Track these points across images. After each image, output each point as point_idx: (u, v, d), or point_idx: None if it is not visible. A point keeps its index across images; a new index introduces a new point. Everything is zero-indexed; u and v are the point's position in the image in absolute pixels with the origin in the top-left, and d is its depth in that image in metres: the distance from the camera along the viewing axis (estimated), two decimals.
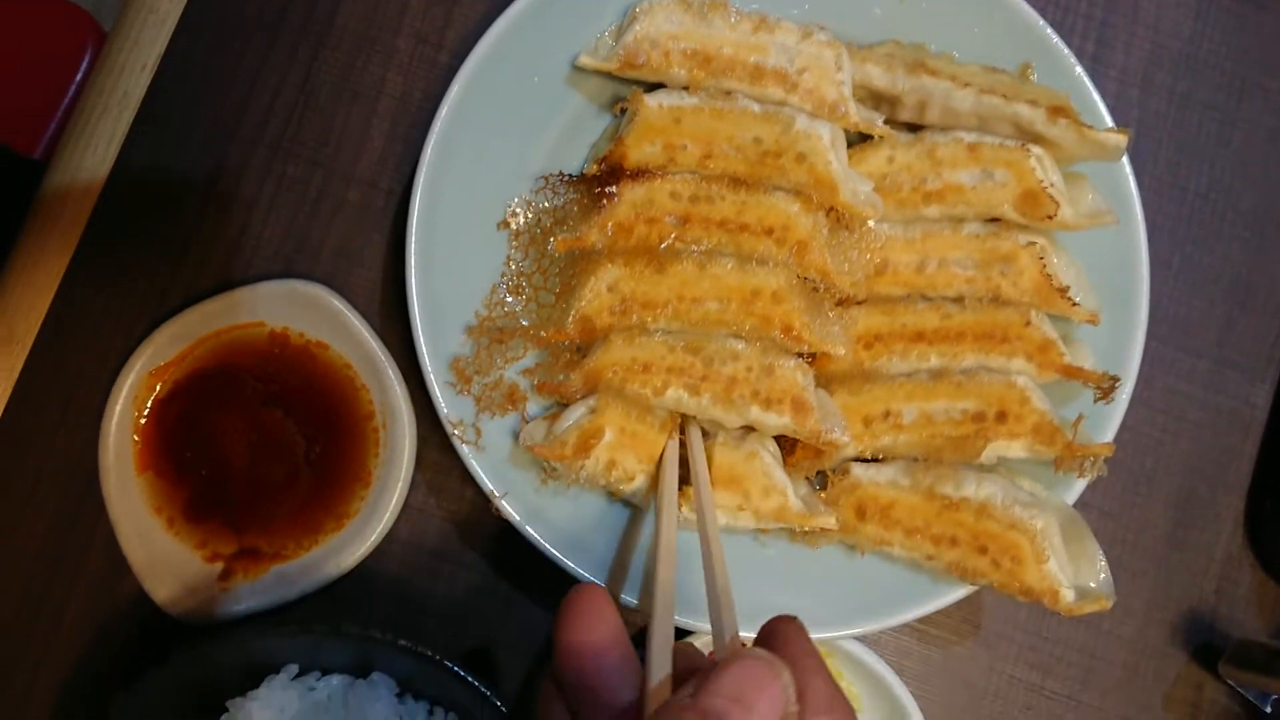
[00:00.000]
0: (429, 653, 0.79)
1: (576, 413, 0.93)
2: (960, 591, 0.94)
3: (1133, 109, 1.12)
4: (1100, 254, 0.99)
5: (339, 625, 0.80)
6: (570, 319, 0.95)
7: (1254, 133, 1.12)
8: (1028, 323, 0.94)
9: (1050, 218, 0.93)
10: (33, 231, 1.02)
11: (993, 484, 0.90)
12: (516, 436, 0.95)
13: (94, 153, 1.03)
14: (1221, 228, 1.11)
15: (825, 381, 0.98)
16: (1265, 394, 1.10)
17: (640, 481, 0.93)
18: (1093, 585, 0.90)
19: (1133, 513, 1.07)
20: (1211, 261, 1.11)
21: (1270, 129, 1.12)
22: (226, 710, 0.84)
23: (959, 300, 0.97)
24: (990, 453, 0.92)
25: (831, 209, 0.95)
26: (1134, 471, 1.08)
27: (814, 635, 0.92)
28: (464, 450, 0.92)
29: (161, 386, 0.96)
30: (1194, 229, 1.11)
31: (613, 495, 0.95)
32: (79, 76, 1.90)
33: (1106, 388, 0.91)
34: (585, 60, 0.97)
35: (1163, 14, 1.13)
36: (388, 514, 0.95)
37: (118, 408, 0.94)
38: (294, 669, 0.85)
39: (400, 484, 0.96)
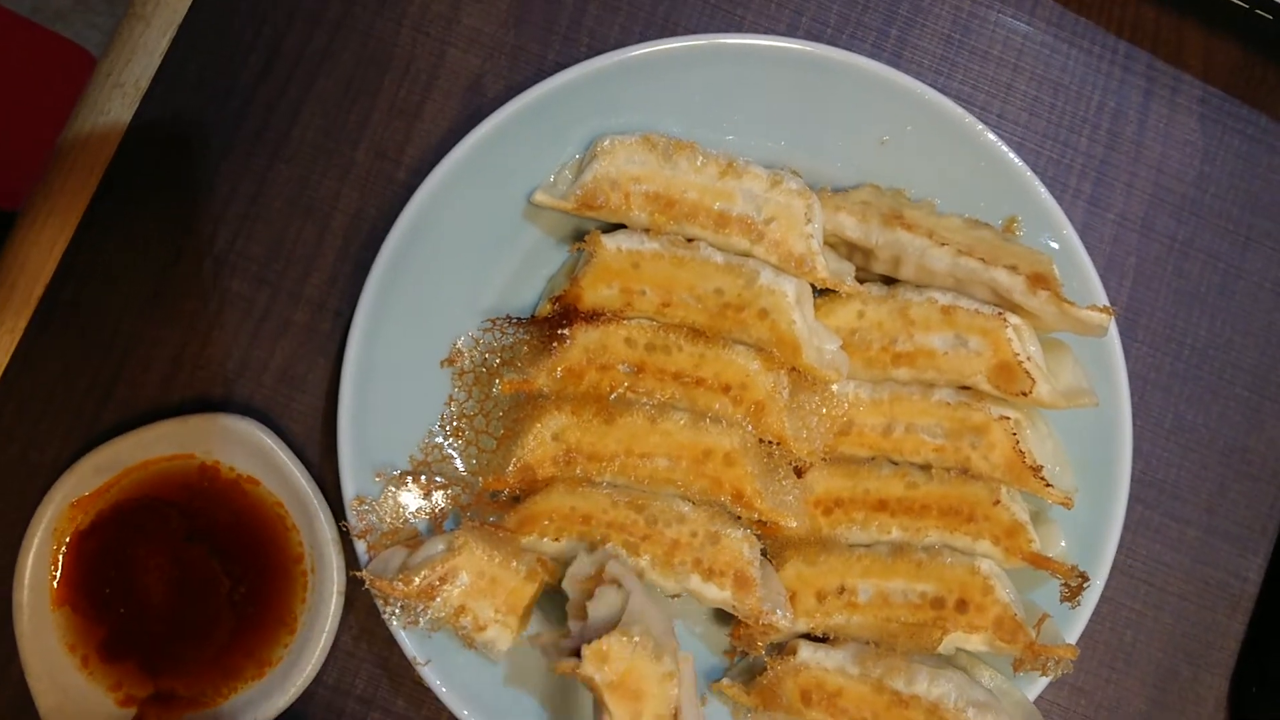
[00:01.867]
0: None
1: (435, 548, 0.87)
2: None
3: (1130, 255, 1.05)
4: (1081, 424, 0.93)
5: None
6: (511, 466, 0.90)
7: (1259, 285, 1.06)
8: (997, 501, 0.88)
9: (1025, 394, 0.87)
10: None
11: (946, 682, 0.84)
12: None
13: (35, 260, 0.99)
14: (1219, 386, 1.05)
15: (779, 547, 0.92)
16: (1257, 567, 1.03)
17: (493, 633, 0.87)
18: None
19: (1107, 690, 1.01)
20: (1207, 422, 1.04)
21: (1276, 281, 1.05)
22: None
23: (926, 468, 0.91)
24: (948, 643, 0.86)
25: (793, 368, 0.90)
26: (1111, 645, 1.01)
27: None
28: (386, 612, 0.87)
29: (83, 518, 0.92)
30: (1190, 386, 1.04)
31: (464, 643, 0.89)
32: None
33: (1074, 587, 0.84)
34: (541, 198, 0.92)
35: (1168, 154, 1.06)
36: (311, 663, 0.91)
37: (35, 540, 0.90)
38: None
39: (326, 633, 0.91)
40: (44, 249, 0.99)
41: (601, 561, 0.86)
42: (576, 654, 0.79)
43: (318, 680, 0.93)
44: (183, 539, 0.92)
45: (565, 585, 0.86)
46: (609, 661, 0.78)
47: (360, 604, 0.97)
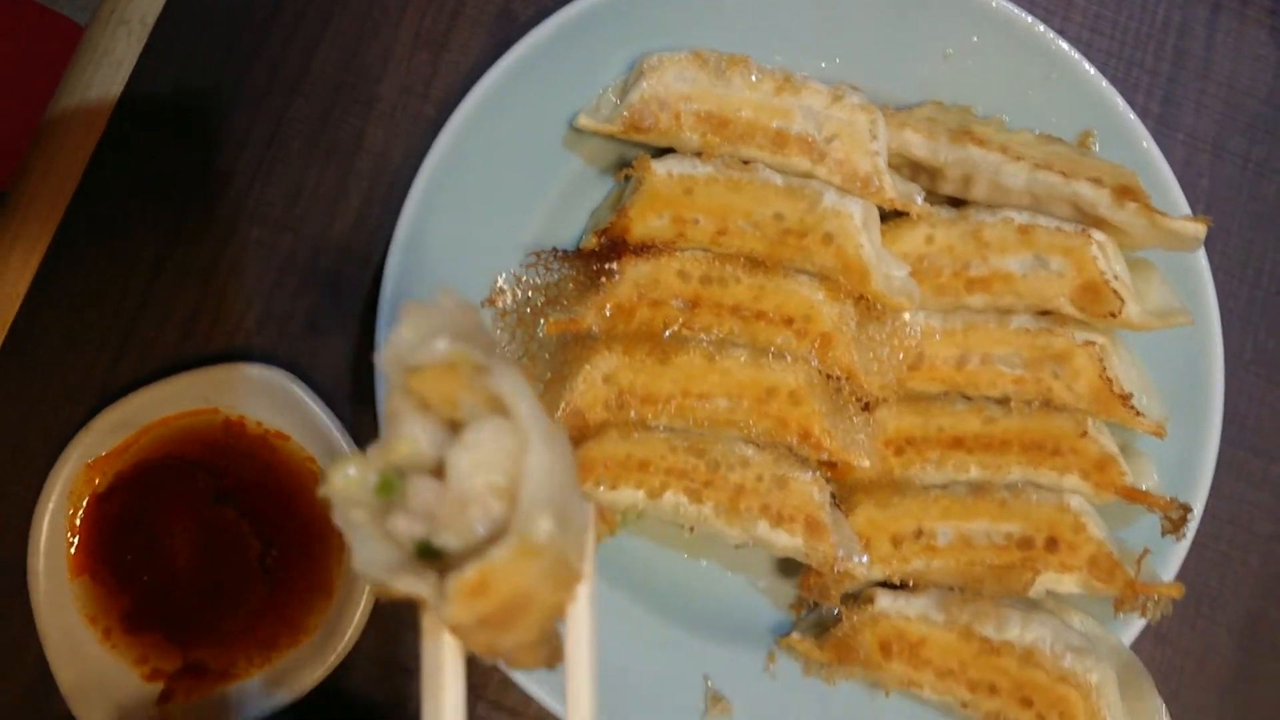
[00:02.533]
0: None
1: None
2: None
3: (1202, 177, 0.99)
4: (1166, 349, 0.87)
5: None
6: (559, 411, 0.84)
7: None
8: (1083, 433, 0.82)
9: (1113, 315, 0.80)
10: None
11: (1040, 626, 0.78)
12: None
13: (36, 207, 0.93)
14: None
15: (848, 491, 0.86)
16: None
17: None
18: None
19: (1194, 638, 0.95)
20: None
21: None
22: None
23: (1003, 402, 0.85)
24: (1039, 586, 0.80)
25: (861, 297, 0.83)
26: (1196, 591, 0.95)
27: None
28: None
29: (101, 480, 0.85)
30: (1270, 314, 0.98)
31: None
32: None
33: (1176, 519, 0.78)
34: (585, 121, 0.86)
35: (1239, 69, 1.00)
36: (351, 628, 0.84)
37: (50, 505, 0.84)
38: None
39: (366, 597, 0.84)
40: (49, 197, 0.93)
41: (470, 335, 0.49)
42: (421, 552, 0.46)
43: (356, 649, 0.87)
44: (209, 500, 0.86)
45: (387, 368, 0.49)
46: (488, 595, 0.45)
47: None
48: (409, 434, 0.48)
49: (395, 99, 0.95)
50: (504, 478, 0.47)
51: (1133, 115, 0.87)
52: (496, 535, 0.46)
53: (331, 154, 0.94)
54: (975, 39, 0.88)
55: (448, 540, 0.46)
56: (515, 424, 0.46)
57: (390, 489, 0.47)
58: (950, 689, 0.80)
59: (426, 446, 0.48)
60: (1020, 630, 0.78)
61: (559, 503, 0.46)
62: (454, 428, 0.48)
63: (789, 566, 0.90)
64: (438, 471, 0.47)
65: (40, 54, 1.82)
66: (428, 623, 0.49)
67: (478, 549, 0.46)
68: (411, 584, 0.45)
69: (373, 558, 0.47)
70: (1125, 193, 0.80)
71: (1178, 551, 0.84)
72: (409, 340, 0.48)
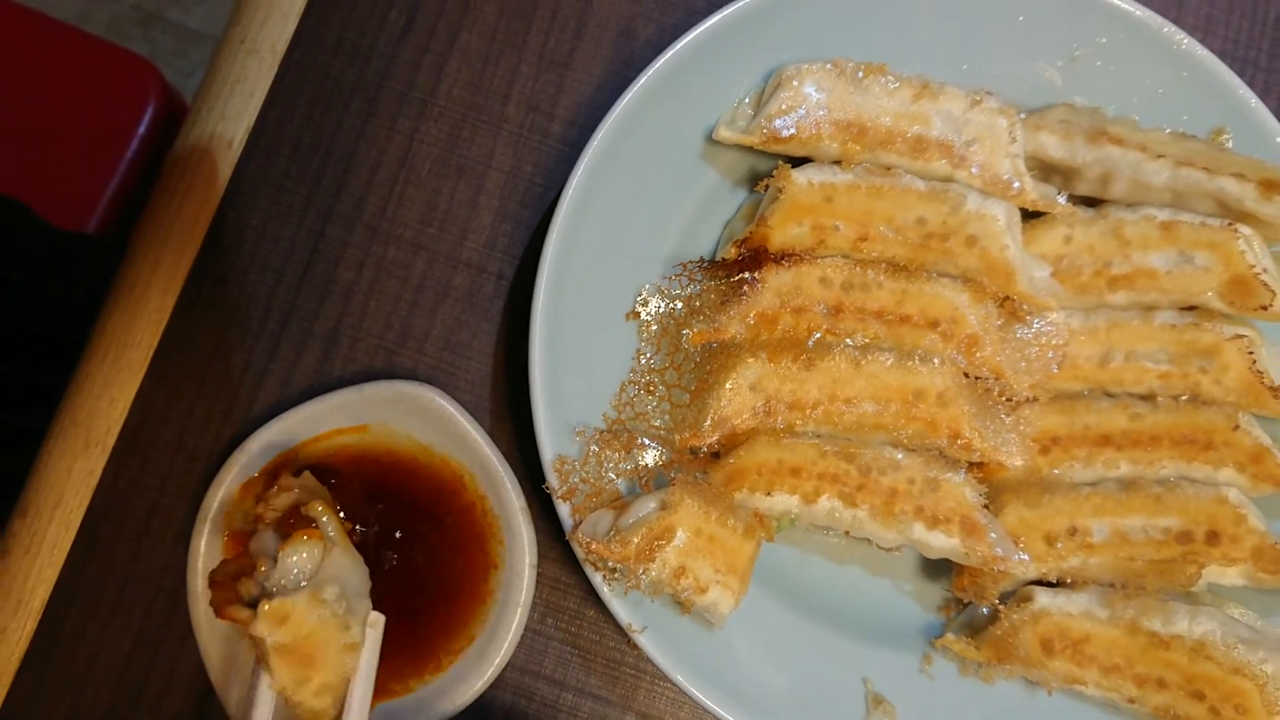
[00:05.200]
0: None
1: (646, 507, 0.81)
2: None
3: None
4: None
5: None
6: (708, 421, 0.84)
7: None
8: (1236, 426, 0.82)
9: (1264, 308, 0.81)
10: (111, 323, 0.93)
11: (1209, 619, 0.78)
12: None
13: (176, 234, 0.94)
14: None
15: (995, 491, 0.86)
16: None
17: (715, 595, 0.79)
18: None
19: None
20: None
21: None
22: None
23: (1149, 398, 0.85)
24: (1203, 579, 0.80)
25: (1006, 298, 0.84)
26: None
27: None
28: (597, 579, 0.81)
29: (255, 500, 0.86)
30: None
31: (682, 608, 0.83)
32: (141, 130, 1.83)
33: None
34: (724, 133, 0.87)
35: None
36: (506, 642, 0.85)
37: (206, 526, 0.85)
38: None
39: (521, 607, 0.85)
40: (187, 223, 0.94)
41: (302, 497, 0.81)
42: (251, 602, 0.75)
43: (506, 663, 0.87)
44: (361, 516, 0.86)
45: (259, 508, 0.81)
46: (288, 624, 0.74)
47: (544, 579, 0.91)
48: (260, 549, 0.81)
49: (523, 118, 0.97)
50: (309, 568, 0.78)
51: (1266, 111, 0.87)
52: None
53: (462, 174, 0.96)
54: (1103, 39, 0.89)
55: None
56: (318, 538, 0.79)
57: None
58: (1116, 685, 0.80)
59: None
60: (1189, 623, 0.78)
61: (344, 584, 0.78)
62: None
63: (934, 570, 0.90)
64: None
65: (117, 93, 1.85)
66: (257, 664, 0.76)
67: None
68: (239, 611, 0.75)
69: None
70: (1272, 186, 0.81)
71: None
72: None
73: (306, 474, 0.83)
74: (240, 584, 0.77)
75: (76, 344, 0.95)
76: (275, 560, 0.76)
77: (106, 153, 1.79)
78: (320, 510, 0.79)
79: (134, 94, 1.84)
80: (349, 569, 0.80)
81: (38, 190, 1.44)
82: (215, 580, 0.78)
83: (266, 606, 0.73)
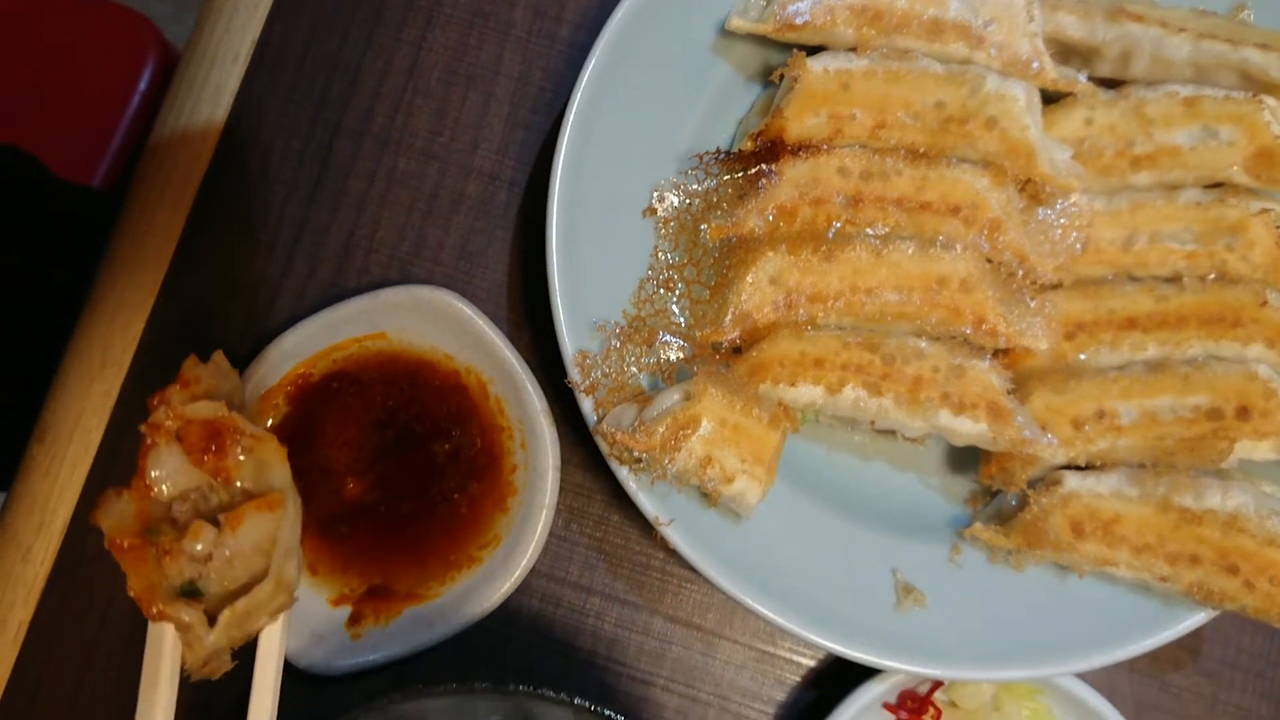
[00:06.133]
0: (617, 717, 0.68)
1: (670, 398, 0.80)
2: (1199, 616, 0.81)
3: None
4: None
5: (504, 684, 0.69)
6: (728, 317, 0.83)
7: None
8: (1264, 303, 0.81)
9: None
10: (123, 243, 0.93)
11: (1241, 493, 0.78)
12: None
13: (184, 152, 0.93)
14: None
15: (1021, 380, 0.85)
16: None
17: (741, 485, 0.78)
18: None
19: None
20: None
21: None
22: None
23: (1174, 280, 0.84)
24: (1234, 454, 0.79)
25: (1027, 181, 0.83)
26: None
27: (1021, 675, 0.81)
28: (623, 473, 0.81)
29: (274, 411, 0.86)
30: None
31: (708, 500, 0.82)
32: (142, 87, 1.81)
33: None
34: (736, 23, 0.85)
35: None
36: (533, 544, 0.84)
37: None
38: None
39: (546, 509, 0.85)
40: (194, 141, 0.93)
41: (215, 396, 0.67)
42: (186, 590, 0.63)
43: (532, 568, 0.87)
44: (381, 426, 0.86)
45: (158, 412, 0.66)
46: (245, 622, 0.64)
47: (567, 485, 0.91)
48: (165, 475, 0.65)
49: (530, 23, 0.95)
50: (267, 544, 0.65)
51: None
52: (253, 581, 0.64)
53: (471, 81, 0.95)
54: None
55: (209, 585, 0.64)
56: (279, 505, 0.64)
57: (156, 532, 0.63)
58: (1148, 564, 0.79)
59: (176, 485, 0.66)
60: (1221, 498, 0.77)
61: (294, 547, 0.67)
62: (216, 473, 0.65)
63: (960, 463, 0.89)
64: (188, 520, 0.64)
65: (117, 51, 1.84)
66: (152, 629, 0.63)
67: (238, 590, 0.64)
68: (180, 611, 0.61)
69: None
70: None
71: None
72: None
73: (218, 355, 0.70)
74: (165, 560, 0.62)
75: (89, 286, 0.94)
76: (166, 487, 0.62)
77: (108, 110, 1.78)
78: (254, 438, 0.63)
79: (133, 51, 1.83)
80: (295, 525, 0.67)
81: (44, 146, 1.43)
82: (118, 545, 0.61)
83: (230, 614, 0.61)
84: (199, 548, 0.60)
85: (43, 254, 1.30)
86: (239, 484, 0.62)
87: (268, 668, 0.63)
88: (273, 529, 0.61)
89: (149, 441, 0.62)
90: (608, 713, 0.68)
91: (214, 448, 0.62)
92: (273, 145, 0.93)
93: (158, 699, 0.60)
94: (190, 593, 0.61)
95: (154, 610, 0.58)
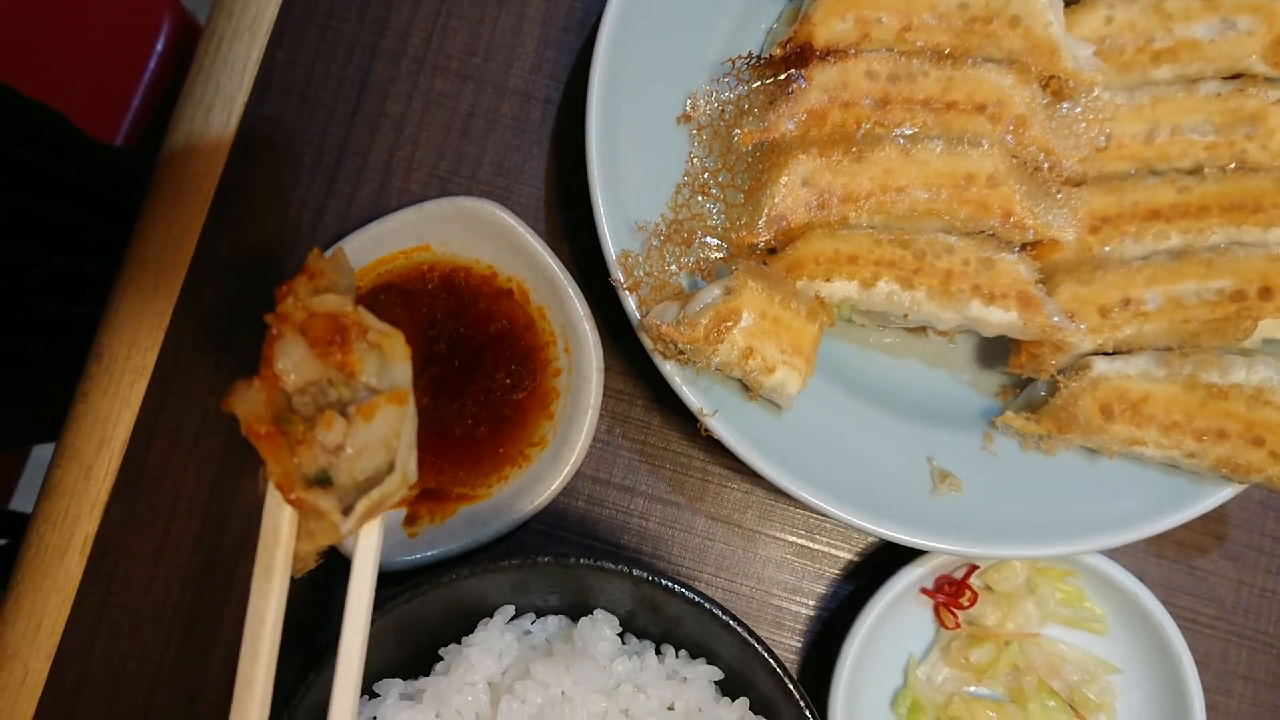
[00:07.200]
0: (674, 584, 0.71)
1: (711, 293, 0.82)
2: (1226, 492, 0.84)
3: None
4: None
5: (564, 557, 0.72)
6: (762, 219, 0.86)
7: None
8: None
9: None
10: (169, 172, 0.95)
11: (1266, 367, 0.80)
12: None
13: (228, 78, 0.96)
14: None
15: (1048, 273, 0.88)
16: None
17: (782, 375, 0.81)
18: None
19: None
20: None
21: None
22: (440, 659, 0.76)
23: (1195, 171, 0.87)
24: (1258, 334, 0.82)
25: (1051, 78, 0.85)
26: None
27: (1055, 552, 0.84)
28: (667, 368, 0.83)
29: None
30: None
31: (749, 390, 0.85)
32: (159, 48, 1.83)
33: None
34: None
35: None
36: (579, 444, 0.88)
37: None
38: (509, 611, 0.78)
39: (590, 410, 0.88)
40: (236, 67, 0.96)
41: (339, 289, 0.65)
42: (319, 479, 0.64)
43: (576, 471, 0.90)
44: (429, 332, 0.89)
45: (287, 303, 0.64)
46: (376, 510, 0.64)
47: (609, 390, 0.93)
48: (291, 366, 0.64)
49: None
50: (391, 439, 0.64)
51: None
52: (378, 475, 0.64)
53: (504, 2, 0.97)
54: None
55: (339, 475, 0.64)
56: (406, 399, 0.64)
57: (285, 420, 0.63)
58: (1176, 441, 0.82)
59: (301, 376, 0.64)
60: (1246, 373, 0.80)
61: (414, 442, 0.64)
62: (340, 367, 0.64)
63: (989, 358, 0.92)
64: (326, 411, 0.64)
65: (134, 13, 1.86)
66: (271, 496, 0.63)
67: (364, 481, 0.64)
68: (318, 499, 0.62)
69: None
70: None
71: None
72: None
73: (338, 251, 0.68)
74: (299, 448, 0.62)
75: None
76: (291, 378, 0.61)
77: (127, 70, 1.81)
78: (381, 333, 0.63)
79: (150, 13, 1.85)
80: (414, 417, 0.65)
81: (66, 107, 1.45)
82: (255, 432, 0.61)
83: (366, 503, 0.61)
84: (331, 437, 0.61)
85: (82, 207, 1.33)
86: (361, 379, 0.62)
87: (366, 561, 0.65)
88: (397, 424, 0.62)
89: (275, 331, 0.61)
90: (664, 581, 0.71)
91: (339, 340, 0.61)
92: (313, 69, 0.96)
93: (272, 588, 0.61)
94: (323, 480, 0.62)
95: (293, 496, 0.60)
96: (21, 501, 1.56)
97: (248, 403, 0.61)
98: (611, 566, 0.71)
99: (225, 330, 0.93)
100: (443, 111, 0.96)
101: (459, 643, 0.76)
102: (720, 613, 0.72)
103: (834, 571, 0.94)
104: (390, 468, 0.63)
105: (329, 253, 0.66)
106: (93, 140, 1.43)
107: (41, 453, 1.84)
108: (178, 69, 1.79)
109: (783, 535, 0.94)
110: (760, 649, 0.72)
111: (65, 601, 0.91)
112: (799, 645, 0.93)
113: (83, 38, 1.81)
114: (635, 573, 0.71)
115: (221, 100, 0.96)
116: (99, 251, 1.23)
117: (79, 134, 1.39)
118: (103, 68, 1.82)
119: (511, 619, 0.78)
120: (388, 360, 0.64)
